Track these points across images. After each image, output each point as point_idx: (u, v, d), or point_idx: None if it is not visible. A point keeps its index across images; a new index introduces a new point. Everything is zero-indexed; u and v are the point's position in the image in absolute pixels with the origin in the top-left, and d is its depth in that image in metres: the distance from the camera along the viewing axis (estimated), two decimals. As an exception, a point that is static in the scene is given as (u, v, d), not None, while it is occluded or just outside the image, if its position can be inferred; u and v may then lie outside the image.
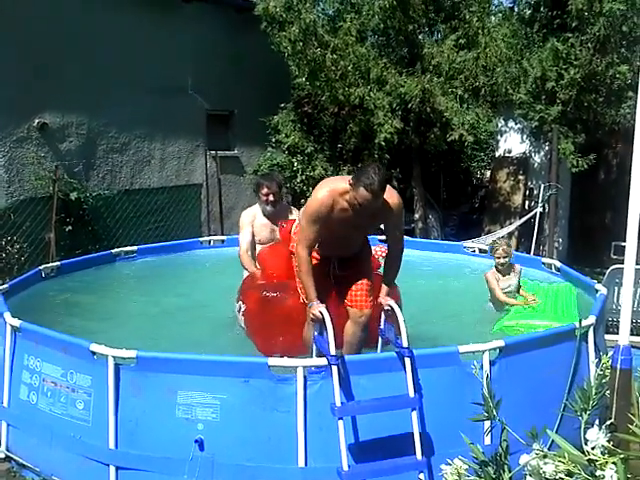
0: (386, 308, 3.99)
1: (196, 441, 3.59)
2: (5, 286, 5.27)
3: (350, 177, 3.86)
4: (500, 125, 11.88)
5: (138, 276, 6.87)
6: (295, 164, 11.59)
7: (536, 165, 11.62)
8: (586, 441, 1.82)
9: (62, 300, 5.89)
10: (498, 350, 3.82)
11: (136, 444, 3.73)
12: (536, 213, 10.02)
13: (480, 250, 7.42)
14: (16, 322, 4.25)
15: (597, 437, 1.79)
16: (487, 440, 3.47)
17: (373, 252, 4.97)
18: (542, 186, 10.17)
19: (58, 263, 6.42)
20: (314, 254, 4.11)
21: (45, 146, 9.34)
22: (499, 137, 12.19)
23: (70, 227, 9.26)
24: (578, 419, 2.03)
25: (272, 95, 11.40)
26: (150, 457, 3.69)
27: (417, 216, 11.43)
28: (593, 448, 1.79)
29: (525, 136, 11.55)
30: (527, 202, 11.50)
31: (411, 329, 3.77)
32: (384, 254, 6.96)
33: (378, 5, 9.82)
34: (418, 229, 11.35)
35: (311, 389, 3.56)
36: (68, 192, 9.20)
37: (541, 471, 1.83)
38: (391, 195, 3.99)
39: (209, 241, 8.12)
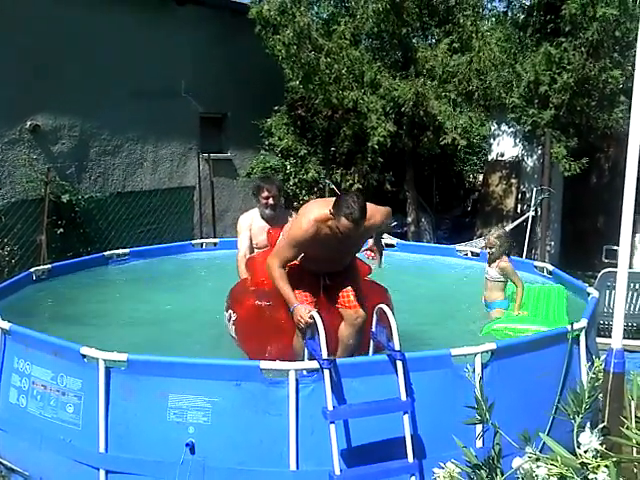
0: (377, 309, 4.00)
1: (187, 444, 3.56)
2: (-5, 288, 5.24)
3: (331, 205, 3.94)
4: (493, 129, 11.91)
5: (130, 279, 6.83)
6: (288, 167, 11.59)
7: (529, 169, 11.66)
8: (579, 444, 1.81)
9: (53, 303, 5.86)
10: (490, 353, 3.81)
11: (126, 448, 3.71)
12: (528, 217, 10.04)
13: (472, 253, 7.43)
14: (6, 325, 4.22)
15: (590, 440, 1.78)
16: (479, 443, 3.45)
17: (368, 254, 5.00)
18: (534, 190, 10.20)
19: (49, 266, 6.38)
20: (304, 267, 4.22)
21: (37, 148, 9.30)
22: (492, 141, 12.23)
23: (62, 229, 9.21)
24: (570, 422, 2.02)
25: (266, 98, 11.40)
26: (141, 461, 3.67)
27: (410, 219, 11.44)
28: (586, 451, 1.78)
29: (518, 140, 11.59)
30: (519, 206, 11.53)
31: (403, 332, 3.76)
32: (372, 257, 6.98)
33: (372, 9, 9.83)
34: (411, 232, 11.36)
35: (303, 392, 3.55)
36: (60, 194, 9.16)
37: (534, 474, 1.82)
38: (374, 214, 4.14)
39: (201, 244, 8.08)
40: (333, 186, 11.00)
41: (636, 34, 3.04)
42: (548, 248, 10.67)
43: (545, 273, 6.48)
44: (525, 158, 11.70)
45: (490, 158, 12.34)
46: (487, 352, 3.81)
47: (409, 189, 11.53)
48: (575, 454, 1.79)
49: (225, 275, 5.81)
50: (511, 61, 9.66)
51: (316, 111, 11.34)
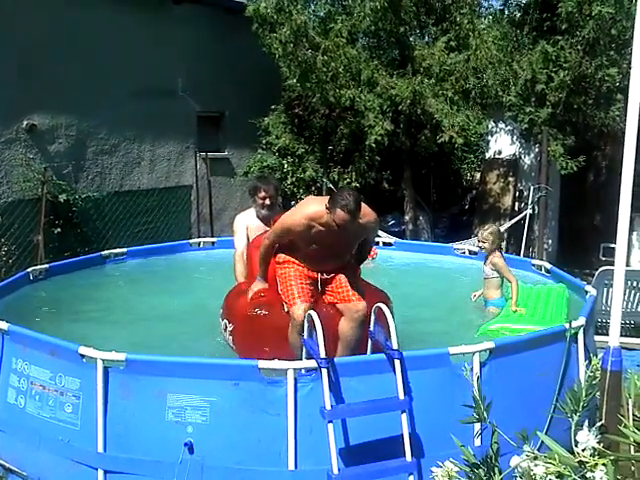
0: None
1: (186, 444, 3.56)
2: (-7, 288, 5.24)
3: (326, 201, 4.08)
4: (490, 127, 11.91)
5: (128, 278, 6.83)
6: (286, 166, 11.59)
7: (526, 167, 11.67)
8: (576, 443, 1.81)
9: (51, 303, 5.85)
10: (488, 352, 3.82)
11: (125, 447, 3.71)
12: (526, 215, 10.05)
13: (470, 252, 7.44)
14: (4, 325, 4.22)
15: (587, 439, 1.79)
16: (478, 442, 3.45)
17: None
18: (532, 188, 10.21)
19: (47, 265, 6.38)
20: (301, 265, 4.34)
21: (34, 148, 9.29)
22: (489, 139, 12.23)
23: (59, 229, 9.21)
24: (568, 420, 2.02)
25: (263, 97, 11.39)
26: (139, 460, 3.66)
27: (407, 218, 11.44)
28: (583, 450, 1.78)
29: (515, 138, 11.60)
30: (517, 204, 11.54)
31: (401, 330, 3.76)
32: (374, 256, 7.09)
33: (369, 7, 9.84)
34: (408, 231, 11.36)
35: (301, 392, 3.55)
36: (57, 194, 9.15)
37: (531, 473, 1.82)
38: (368, 213, 4.26)
39: (199, 243, 8.09)
40: (330, 185, 11.00)
41: (632, 32, 3.04)
42: (546, 246, 10.69)
43: (543, 271, 6.50)
44: (522, 156, 11.72)
45: (487, 156, 12.35)
46: (485, 351, 3.81)
47: (406, 187, 11.53)
48: (573, 452, 1.80)
49: (223, 274, 5.81)
50: (508, 59, 9.66)
51: (313, 110, 11.34)
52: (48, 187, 8.95)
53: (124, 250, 7.24)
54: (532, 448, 1.91)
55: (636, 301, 7.42)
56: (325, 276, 4.40)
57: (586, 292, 5.18)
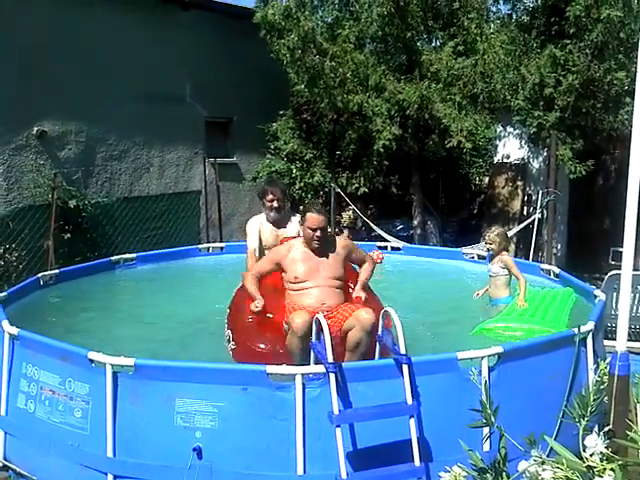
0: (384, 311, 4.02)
1: (194, 449, 3.57)
2: (3, 294, 5.26)
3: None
4: (498, 131, 11.90)
5: (137, 284, 6.86)
6: (294, 171, 11.61)
7: (534, 171, 11.64)
8: (584, 447, 1.81)
9: (61, 308, 5.88)
10: (497, 356, 3.81)
11: (134, 452, 3.72)
12: (534, 219, 10.02)
13: (479, 256, 7.42)
14: (14, 330, 4.24)
15: (595, 443, 1.79)
16: (486, 447, 3.45)
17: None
18: (540, 192, 10.18)
19: (57, 271, 6.41)
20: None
21: (44, 154, 9.35)
22: (497, 143, 12.21)
23: (69, 235, 9.26)
24: (577, 425, 2.02)
25: (271, 102, 11.42)
26: (148, 465, 3.68)
27: (416, 222, 11.44)
28: (591, 455, 1.78)
29: (523, 142, 11.57)
30: (525, 208, 11.50)
31: (409, 335, 3.76)
32: (380, 260, 7.16)
33: (376, 12, 9.87)
34: (417, 235, 11.35)
35: (309, 396, 3.55)
36: (67, 200, 9.20)
37: (539, 478, 1.82)
38: (337, 239, 4.90)
39: (208, 248, 8.11)
40: (338, 189, 11.01)
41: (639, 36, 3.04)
42: (554, 250, 10.65)
43: (552, 276, 6.47)
44: (531, 160, 11.68)
45: (496, 160, 12.32)
46: (494, 355, 3.80)
47: (415, 192, 11.53)
48: (581, 457, 1.79)
49: (231, 279, 5.83)
50: (516, 63, 9.65)
51: (321, 115, 11.37)
52: (58, 193, 9.00)
53: (133, 255, 7.27)
54: (540, 453, 1.91)
55: (646, 305, 7.38)
56: (327, 311, 4.47)
57: (595, 297, 5.15)
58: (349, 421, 3.52)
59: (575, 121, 9.62)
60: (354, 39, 10.23)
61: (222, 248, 8.01)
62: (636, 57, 3.30)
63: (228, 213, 12.09)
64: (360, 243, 9.58)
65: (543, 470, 1.84)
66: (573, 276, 6.22)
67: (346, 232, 12.66)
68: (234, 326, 4.78)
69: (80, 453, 3.84)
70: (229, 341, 4.75)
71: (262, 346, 4.48)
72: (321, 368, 3.54)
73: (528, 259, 9.55)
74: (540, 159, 11.43)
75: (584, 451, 1.80)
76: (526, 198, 11.59)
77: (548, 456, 1.90)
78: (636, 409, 1.90)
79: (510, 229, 10.73)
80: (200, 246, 8.19)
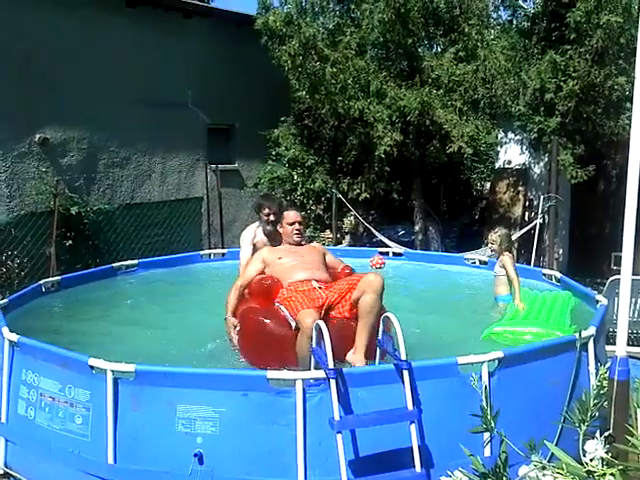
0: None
1: (195, 455, 3.56)
2: (5, 301, 5.27)
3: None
4: (500, 137, 11.90)
5: (139, 290, 6.86)
6: (295, 177, 11.63)
7: (536, 176, 11.64)
8: (584, 452, 1.81)
9: (62, 315, 5.89)
10: (497, 361, 3.80)
11: (135, 459, 3.71)
12: (536, 224, 10.01)
13: (480, 261, 7.42)
14: (14, 337, 4.25)
15: (595, 448, 1.78)
16: (487, 452, 3.44)
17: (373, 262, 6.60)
18: (542, 197, 10.17)
19: (58, 278, 6.42)
20: (295, 283, 4.69)
21: (46, 161, 9.39)
22: (499, 148, 12.22)
23: (71, 242, 9.28)
24: (577, 430, 2.01)
25: (272, 108, 11.45)
26: (149, 471, 3.67)
27: (417, 228, 11.43)
28: (592, 459, 1.77)
29: (524, 147, 11.58)
30: (527, 213, 11.50)
31: (410, 341, 3.75)
32: (382, 265, 7.20)
33: (377, 19, 9.88)
34: (418, 241, 11.35)
35: (310, 402, 3.54)
36: (69, 207, 9.23)
37: (539, 483, 1.82)
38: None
39: (210, 254, 8.12)
40: (340, 195, 11.02)
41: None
42: (556, 255, 10.63)
43: (553, 281, 6.47)
44: (532, 165, 11.69)
45: (497, 166, 12.33)
46: (494, 360, 3.79)
47: (416, 198, 11.53)
48: (581, 462, 1.79)
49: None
50: (516, 69, 9.66)
51: (323, 121, 11.39)
52: (60, 200, 9.03)
53: (135, 262, 7.27)
54: (541, 458, 1.90)
55: (648, 311, 7.37)
56: (320, 283, 4.69)
57: (597, 301, 5.15)
58: (350, 427, 3.51)
59: (576, 126, 9.62)
60: (355, 45, 10.26)
61: (224, 254, 8.02)
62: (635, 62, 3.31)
63: (230, 219, 12.11)
64: (362, 249, 9.64)
65: (543, 475, 1.84)
66: (575, 281, 6.22)
67: (348, 238, 12.67)
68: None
69: (81, 460, 3.83)
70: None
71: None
72: (321, 374, 3.53)
73: (530, 264, 9.54)
74: (541, 164, 11.44)
75: (584, 456, 1.80)
76: (527, 203, 11.59)
77: (549, 461, 1.90)
78: (636, 414, 1.90)
79: (512, 234, 10.72)
80: (202, 252, 8.21)
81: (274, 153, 11.88)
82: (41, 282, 6.11)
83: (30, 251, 8.84)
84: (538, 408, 3.90)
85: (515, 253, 10.71)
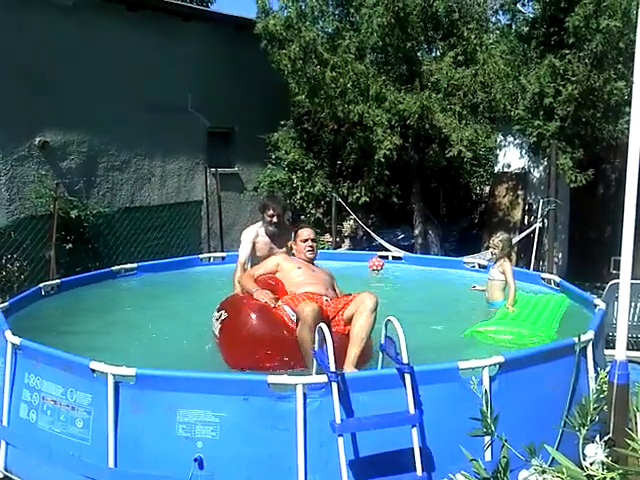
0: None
1: (196, 459, 3.57)
2: (5, 304, 5.28)
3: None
4: (499, 140, 11.93)
5: (138, 293, 6.86)
6: (295, 181, 11.65)
7: (535, 180, 11.66)
8: (584, 456, 1.82)
9: (62, 318, 5.88)
10: (498, 366, 3.81)
11: (136, 462, 3.71)
12: (535, 228, 10.03)
13: (480, 265, 7.43)
14: (17, 340, 4.25)
15: (595, 452, 1.79)
16: (488, 456, 3.45)
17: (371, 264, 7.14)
18: (541, 201, 10.19)
19: (58, 281, 6.42)
20: (307, 293, 4.77)
21: (46, 164, 9.40)
22: (498, 152, 12.24)
23: (70, 245, 9.29)
24: (577, 434, 2.02)
25: (272, 112, 11.48)
26: (150, 475, 3.67)
27: (417, 232, 11.45)
28: (592, 463, 1.79)
29: (524, 151, 11.60)
30: (526, 217, 11.51)
31: (411, 345, 3.76)
32: (380, 267, 7.26)
33: (377, 23, 9.90)
34: (418, 245, 11.37)
35: (311, 406, 3.55)
36: (69, 210, 9.24)
37: (540, 487, 1.83)
38: None
39: (209, 258, 8.12)
40: (339, 199, 11.04)
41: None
42: (556, 259, 10.65)
43: (552, 285, 6.48)
44: (531, 169, 11.71)
45: (496, 170, 12.34)
46: (495, 365, 3.80)
47: (416, 201, 11.55)
48: (582, 466, 1.80)
49: (233, 288, 5.83)
50: (516, 73, 9.69)
51: (322, 125, 11.42)
52: (60, 203, 9.04)
53: (135, 265, 7.27)
54: (540, 462, 1.91)
55: (648, 315, 7.38)
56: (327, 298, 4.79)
57: (595, 306, 5.16)
58: (351, 430, 3.52)
59: (575, 130, 9.65)
60: (354, 49, 10.29)
61: (223, 258, 8.02)
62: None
63: (229, 223, 12.12)
64: (361, 252, 9.65)
65: (544, 479, 1.85)
66: (574, 285, 6.23)
67: (347, 242, 12.68)
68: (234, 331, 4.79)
69: (81, 463, 3.83)
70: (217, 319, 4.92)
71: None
72: (322, 378, 3.54)
73: (529, 268, 9.56)
74: (540, 168, 11.46)
75: (584, 460, 1.81)
76: (527, 207, 11.60)
77: (550, 465, 1.91)
78: (636, 418, 1.91)
79: (511, 238, 10.73)
80: (201, 256, 8.21)
81: (274, 157, 11.90)
82: (41, 285, 6.10)
83: (30, 254, 8.84)
84: (538, 412, 3.91)
85: (515, 257, 10.74)
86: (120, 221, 10.22)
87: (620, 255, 3.01)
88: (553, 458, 2.22)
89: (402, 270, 7.83)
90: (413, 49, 10.66)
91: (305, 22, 10.14)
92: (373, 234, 11.01)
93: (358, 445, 3.55)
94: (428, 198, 12.22)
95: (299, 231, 5.34)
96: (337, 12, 11.08)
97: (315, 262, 5.35)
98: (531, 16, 10.37)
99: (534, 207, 11.16)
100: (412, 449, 3.42)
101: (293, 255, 5.37)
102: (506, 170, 11.96)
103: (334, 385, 3.42)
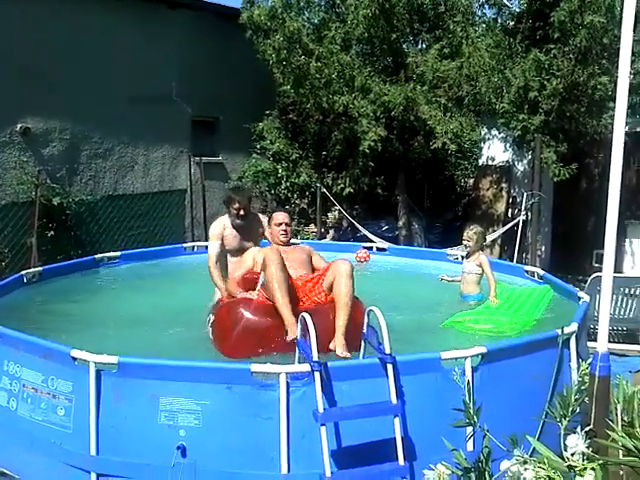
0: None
1: (178, 447, 3.56)
2: (-15, 291, 5.23)
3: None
4: (483, 133, 11.96)
5: (121, 282, 6.83)
6: (280, 171, 11.62)
7: (519, 173, 11.72)
8: (565, 447, 1.83)
9: (44, 306, 5.84)
10: (480, 356, 3.84)
11: (118, 450, 3.71)
12: (519, 221, 10.09)
13: (463, 257, 7.46)
14: (-4, 327, 4.22)
15: (576, 443, 1.81)
16: (470, 446, 3.48)
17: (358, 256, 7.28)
18: (525, 194, 10.25)
19: (40, 269, 6.37)
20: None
21: (28, 151, 9.29)
22: (482, 145, 12.28)
23: (52, 232, 9.20)
24: (559, 425, 2.04)
25: (257, 102, 11.43)
26: (132, 464, 3.67)
27: (401, 223, 11.47)
28: (573, 454, 1.80)
29: (508, 145, 11.65)
30: (510, 210, 11.58)
31: (394, 335, 3.77)
32: (366, 259, 7.28)
33: (362, 14, 9.86)
34: (402, 236, 11.39)
35: (294, 395, 3.56)
36: (51, 197, 9.15)
37: (521, 477, 1.84)
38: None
39: (193, 247, 8.10)
40: (324, 190, 11.03)
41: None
42: (539, 252, 10.73)
43: (536, 277, 6.53)
44: (515, 163, 11.77)
45: (481, 163, 12.39)
46: (477, 355, 3.83)
47: (400, 193, 11.57)
48: (563, 457, 1.81)
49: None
50: (501, 67, 9.71)
51: (307, 115, 11.38)
52: (42, 190, 8.94)
53: (117, 254, 7.24)
54: (522, 452, 1.93)
55: (628, 307, 7.47)
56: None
57: (579, 298, 5.21)
58: (334, 419, 3.53)
59: (559, 125, 9.70)
60: (340, 40, 10.25)
61: (207, 247, 7.98)
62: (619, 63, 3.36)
63: (213, 212, 12.04)
64: (345, 243, 9.66)
65: (525, 470, 1.86)
66: (557, 278, 6.28)
67: (332, 232, 12.68)
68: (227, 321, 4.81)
69: (63, 451, 3.82)
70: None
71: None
72: (306, 367, 3.54)
73: (512, 261, 9.62)
74: (525, 162, 11.52)
75: (565, 450, 1.83)
76: (511, 200, 11.66)
77: (531, 456, 1.92)
78: (616, 409, 1.93)
79: (495, 231, 10.81)
80: (185, 245, 8.18)
81: (259, 146, 11.86)
82: (22, 273, 6.07)
83: (11, 241, 8.75)
84: (520, 403, 3.95)
85: (498, 250, 10.80)
86: (103, 209, 10.14)
87: (602, 249, 3.04)
88: (534, 448, 2.24)
89: (386, 262, 7.85)
90: (399, 41, 10.65)
91: (290, 12, 10.08)
92: (358, 225, 11.02)
93: (340, 434, 3.57)
94: (413, 190, 12.23)
95: (273, 214, 5.50)
96: (322, 3, 11.03)
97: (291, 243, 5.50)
98: (517, 10, 10.39)
99: (518, 200, 11.22)
100: (394, 439, 3.45)
101: (266, 240, 5.54)
102: (490, 163, 12.01)
103: (317, 374, 3.43)
